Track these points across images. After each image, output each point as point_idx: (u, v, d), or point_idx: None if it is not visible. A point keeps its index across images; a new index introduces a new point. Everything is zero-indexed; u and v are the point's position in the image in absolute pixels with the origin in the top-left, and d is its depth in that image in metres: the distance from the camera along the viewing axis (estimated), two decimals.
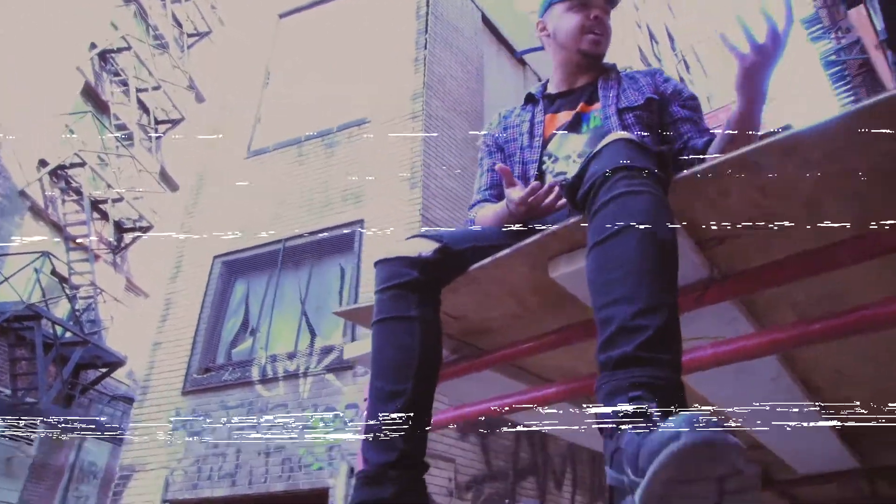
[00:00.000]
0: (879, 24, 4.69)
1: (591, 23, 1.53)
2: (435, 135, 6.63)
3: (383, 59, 7.35)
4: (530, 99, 1.64)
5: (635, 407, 0.70)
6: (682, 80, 23.55)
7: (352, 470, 4.94)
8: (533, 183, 1.27)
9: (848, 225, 0.98)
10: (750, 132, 1.20)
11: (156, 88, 12.73)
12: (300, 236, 6.43)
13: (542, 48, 1.70)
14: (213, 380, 5.97)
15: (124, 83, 12.16)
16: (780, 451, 2.53)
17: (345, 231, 6.22)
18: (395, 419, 1.02)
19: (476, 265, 1.19)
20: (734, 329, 1.34)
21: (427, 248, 1.18)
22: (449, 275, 1.20)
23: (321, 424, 5.29)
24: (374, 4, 7.83)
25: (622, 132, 0.99)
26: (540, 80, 9.69)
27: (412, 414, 1.02)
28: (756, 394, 1.77)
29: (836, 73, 16.71)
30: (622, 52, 16.88)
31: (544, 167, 1.49)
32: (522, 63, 9.59)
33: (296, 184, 6.87)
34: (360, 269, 5.90)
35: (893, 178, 0.92)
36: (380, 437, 1.00)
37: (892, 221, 0.99)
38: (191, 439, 5.68)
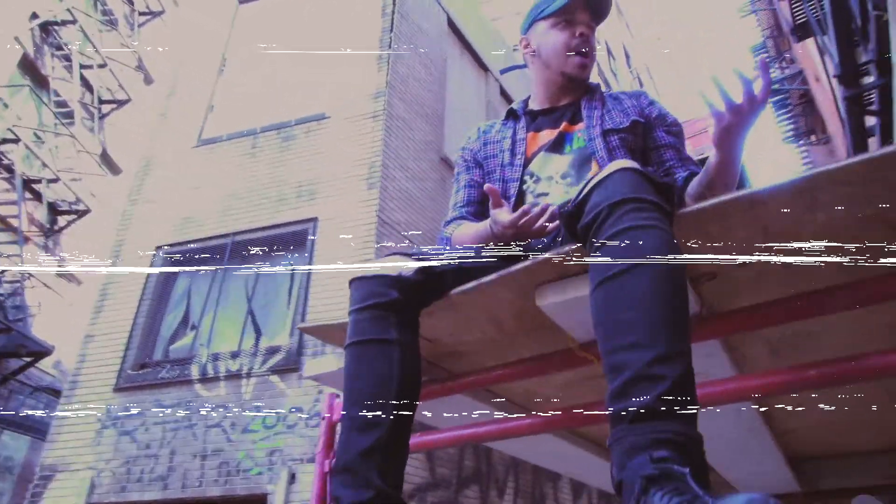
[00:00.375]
0: (834, 58, 4.87)
1: (578, 41, 1.47)
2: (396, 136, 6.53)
3: (345, 54, 7.20)
4: (511, 114, 1.58)
5: (667, 472, 0.66)
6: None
7: (293, 476, 4.79)
8: (524, 206, 1.20)
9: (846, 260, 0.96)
10: (727, 183, 1.18)
11: (101, 66, 12.10)
12: (250, 231, 6.22)
13: (524, 66, 1.65)
14: (150, 377, 5.68)
15: (67, 58, 11.50)
16: (729, 474, 2.57)
17: (297, 228, 6.05)
18: (363, 453, 0.94)
19: (458, 290, 1.12)
20: (710, 363, 1.32)
21: (393, 268, 1.11)
22: (429, 297, 1.13)
23: (262, 428, 5.11)
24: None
25: (627, 161, 0.95)
26: (502, 87, 9.73)
27: (389, 447, 0.95)
28: (717, 424, 1.78)
29: (779, 100, 17.53)
30: None
31: (525, 186, 1.43)
32: (485, 69, 9.60)
33: (248, 177, 6.65)
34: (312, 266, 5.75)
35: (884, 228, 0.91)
36: (354, 472, 0.93)
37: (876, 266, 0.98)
38: (121, 439, 5.40)
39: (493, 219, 1.24)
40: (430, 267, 1.12)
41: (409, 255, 1.14)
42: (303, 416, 5.04)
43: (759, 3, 19.95)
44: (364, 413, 0.98)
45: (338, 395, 1.61)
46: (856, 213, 0.86)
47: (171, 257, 6.42)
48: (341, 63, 7.13)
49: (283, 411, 5.12)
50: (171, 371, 5.64)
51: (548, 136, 1.47)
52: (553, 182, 1.40)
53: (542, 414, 1.26)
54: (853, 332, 1.22)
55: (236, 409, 5.15)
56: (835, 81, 5.77)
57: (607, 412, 0.77)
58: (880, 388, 1.69)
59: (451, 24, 8.80)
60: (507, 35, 11.35)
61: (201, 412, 5.25)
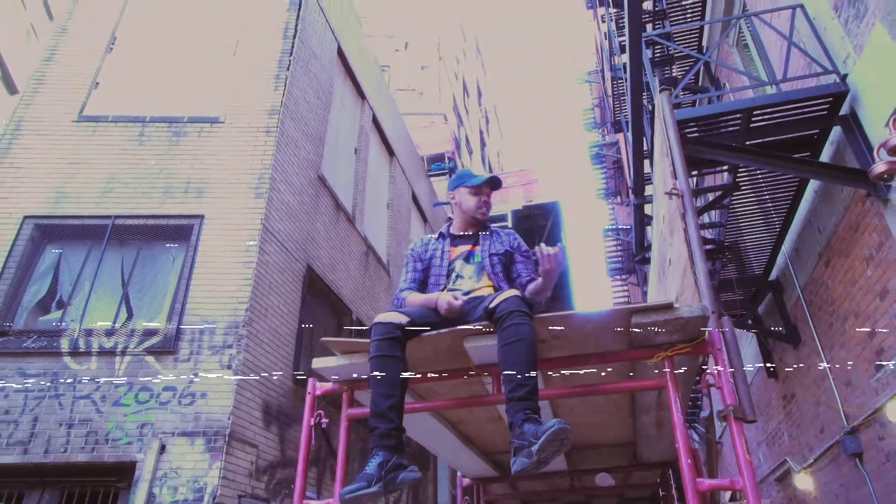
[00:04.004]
0: (630, 173, 6.68)
1: (482, 204, 2.70)
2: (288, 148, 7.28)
3: (243, 65, 7.77)
4: (441, 235, 2.74)
5: (533, 416, 1.84)
6: (483, 139, 26.32)
7: (163, 447, 5.38)
8: (459, 304, 2.33)
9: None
10: (544, 293, 2.43)
11: None
12: (134, 217, 6.56)
13: (447, 203, 2.84)
14: (12, 345, 5.81)
15: None
16: None
17: (183, 223, 6.54)
18: (389, 408, 2.03)
19: (428, 333, 2.24)
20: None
21: (397, 318, 2.21)
22: (412, 335, 2.23)
23: (134, 402, 5.60)
24: (243, 8, 8.21)
25: (515, 290, 2.15)
26: (374, 115, 10.74)
27: (398, 406, 2.04)
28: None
29: (597, 159, 20.66)
30: (441, 99, 18.81)
31: (450, 279, 2.59)
32: (362, 96, 10.59)
33: (134, 162, 6.94)
34: (195, 262, 6.30)
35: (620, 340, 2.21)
36: (384, 416, 2.00)
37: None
38: None
39: (440, 300, 2.36)
40: (413, 321, 2.22)
41: (402, 314, 2.23)
42: (176, 395, 5.64)
43: (594, 75, 23.26)
44: (385, 391, 2.05)
45: (320, 380, 2.62)
46: (604, 327, 2.14)
47: (42, 229, 6.51)
48: (237, 71, 7.70)
49: (156, 390, 5.66)
50: (39, 341, 5.84)
51: (462, 250, 2.66)
52: (465, 279, 2.58)
53: (432, 402, 2.41)
54: (598, 377, 2.55)
55: (115, 383, 5.57)
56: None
57: (505, 402, 1.95)
58: (611, 403, 3.10)
59: (340, 52, 9.69)
60: (381, 56, 12.37)
61: (70, 383, 5.58)
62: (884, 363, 4.96)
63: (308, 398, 2.57)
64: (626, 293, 22.98)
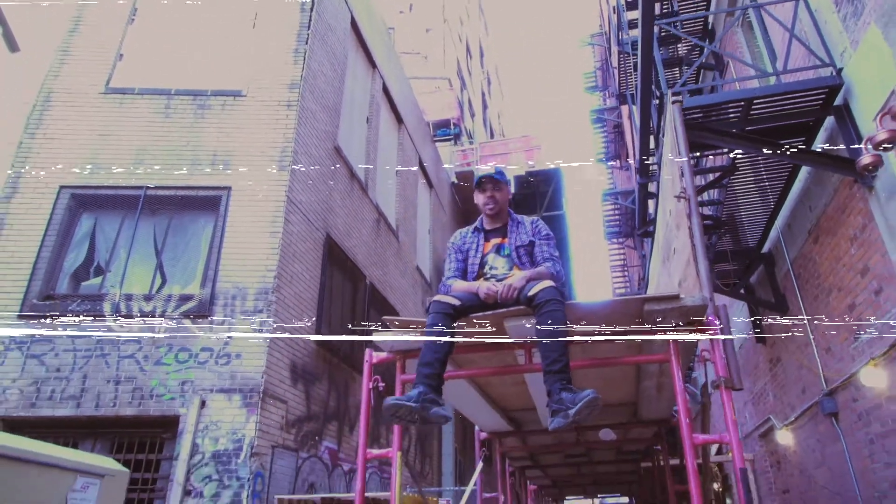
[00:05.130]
0: (636, 154, 7.05)
1: (487, 200, 3.13)
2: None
3: (262, 38, 8.01)
4: (476, 229, 3.18)
5: (569, 387, 2.31)
6: (484, 101, 26.30)
7: (203, 402, 5.90)
8: (504, 292, 2.77)
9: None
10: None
11: None
12: (164, 188, 6.93)
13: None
14: (58, 308, 6.26)
15: None
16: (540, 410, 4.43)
17: (212, 194, 6.91)
18: (436, 360, 2.50)
19: (475, 314, 2.69)
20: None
21: (451, 300, 2.66)
22: (461, 315, 2.68)
23: (175, 362, 6.09)
24: None
25: (550, 281, 2.58)
26: (385, 84, 10.97)
27: (445, 361, 2.51)
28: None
29: (599, 123, 20.86)
30: (445, 63, 18.88)
31: (484, 269, 3.04)
32: (373, 65, 10.81)
33: (161, 135, 7.26)
34: (225, 232, 6.71)
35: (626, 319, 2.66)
36: (432, 364, 2.47)
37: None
38: (28, 361, 5.97)
39: (480, 286, 2.80)
40: (462, 302, 2.67)
41: (454, 297, 2.67)
42: (213, 355, 6.13)
43: (597, 38, 23.19)
44: (435, 350, 2.52)
45: (376, 350, 3.08)
46: (621, 312, 2.59)
47: (77, 199, 6.88)
48: (257, 45, 7.95)
49: (194, 350, 6.14)
50: (83, 305, 6.29)
51: (493, 243, 3.09)
52: (497, 268, 3.02)
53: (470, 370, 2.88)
54: (606, 351, 3.02)
55: (155, 344, 6.05)
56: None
57: (543, 374, 2.41)
58: (620, 370, 3.57)
59: (353, 23, 9.88)
60: (387, 20, 12.46)
61: (118, 342, 6.05)
62: (861, 334, 5.47)
63: (366, 366, 3.03)
64: (622, 255, 23.51)
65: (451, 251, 3.18)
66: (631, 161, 7.63)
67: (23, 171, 6.96)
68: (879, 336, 5.12)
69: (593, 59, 23.95)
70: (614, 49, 11.25)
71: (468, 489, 3.54)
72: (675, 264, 3.35)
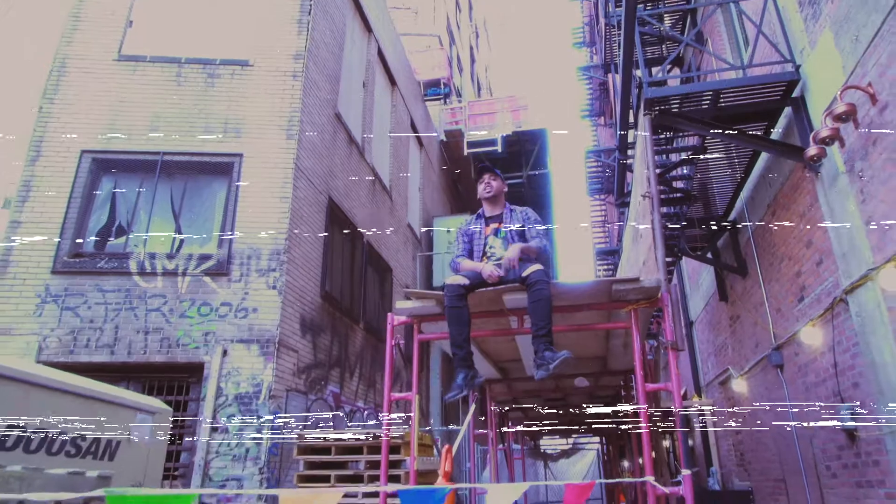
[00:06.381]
0: (616, 132, 7.66)
1: (484, 185, 3.79)
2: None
3: (266, 7, 8.36)
4: (479, 216, 3.84)
5: (550, 347, 3.04)
6: (472, 55, 26.36)
7: (225, 351, 6.62)
8: (491, 266, 3.45)
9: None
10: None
11: None
12: (179, 154, 7.43)
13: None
14: (88, 265, 6.85)
15: None
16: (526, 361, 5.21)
17: (224, 160, 7.44)
18: (464, 339, 3.22)
19: (480, 290, 3.39)
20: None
21: (461, 280, 3.35)
22: (470, 291, 3.38)
23: (197, 315, 6.76)
24: None
25: (539, 265, 3.28)
26: (380, 48, 11.32)
27: (468, 338, 3.23)
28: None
29: (586, 79, 21.23)
30: (435, 19, 19.00)
31: (487, 249, 3.72)
32: (369, 29, 11.14)
33: (174, 102, 7.70)
34: (238, 197, 7.28)
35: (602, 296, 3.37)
36: (460, 346, 3.19)
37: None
38: (64, 313, 6.60)
39: (483, 268, 3.49)
40: (471, 281, 3.37)
41: (463, 276, 3.36)
42: (232, 309, 6.81)
43: None
44: (459, 329, 3.23)
45: (395, 316, 3.78)
46: (595, 290, 3.31)
47: (98, 163, 7.37)
48: (261, 15, 8.30)
49: (214, 305, 6.81)
50: (111, 262, 6.89)
51: (493, 228, 3.77)
52: (496, 248, 3.71)
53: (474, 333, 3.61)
54: (581, 319, 3.75)
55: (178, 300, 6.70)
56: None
57: (531, 337, 3.14)
58: (592, 331, 4.33)
59: None
60: None
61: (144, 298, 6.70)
62: (804, 297, 6.30)
63: (388, 327, 3.74)
64: (603, 211, 24.30)
65: (459, 235, 3.85)
66: (617, 154, 8.26)
67: (44, 136, 7.40)
68: (817, 300, 5.96)
69: (581, 14, 24.07)
70: (602, 21, 11.65)
71: (463, 427, 4.29)
72: (642, 246, 4.06)
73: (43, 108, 7.56)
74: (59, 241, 6.92)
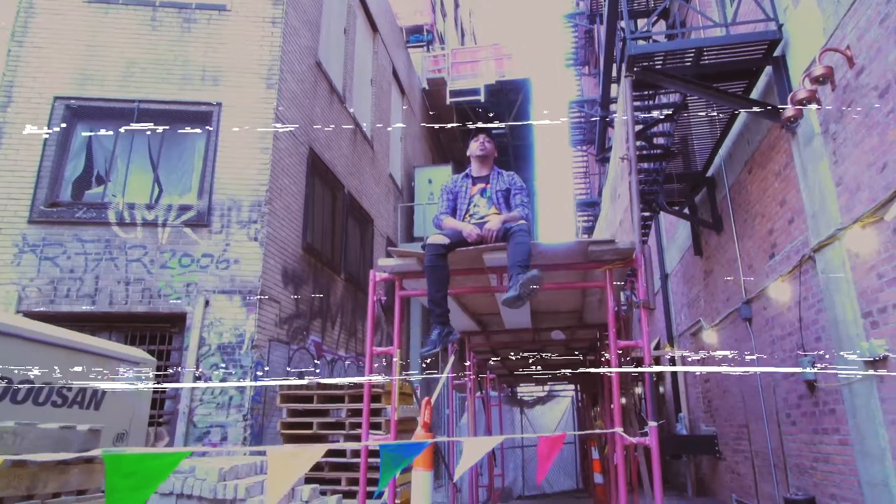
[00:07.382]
0: (600, 85, 7.60)
1: (479, 145, 3.82)
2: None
3: None
4: (466, 176, 3.88)
5: (521, 272, 3.14)
6: (456, 2, 25.58)
7: (207, 301, 6.67)
8: (483, 234, 3.52)
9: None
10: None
11: None
12: (156, 102, 7.27)
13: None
14: (65, 214, 6.78)
15: None
16: (503, 313, 5.37)
17: (203, 109, 7.30)
18: (441, 298, 3.31)
19: (461, 248, 3.46)
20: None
21: (442, 240, 3.42)
22: (450, 250, 3.45)
23: (178, 266, 6.78)
24: None
25: (522, 221, 3.36)
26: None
27: (445, 296, 3.32)
28: None
29: (571, 26, 20.89)
30: None
31: (471, 208, 3.78)
32: None
33: (149, 48, 7.48)
34: (218, 146, 7.19)
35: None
36: (438, 303, 3.29)
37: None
38: (43, 263, 6.57)
39: (464, 227, 3.56)
40: (451, 241, 3.44)
41: (444, 235, 3.43)
42: (213, 260, 6.83)
43: None
44: (437, 289, 3.32)
45: (378, 273, 3.86)
46: (573, 250, 3.41)
47: (72, 110, 7.18)
48: None
49: (195, 256, 6.82)
50: (88, 212, 6.82)
51: (478, 187, 3.82)
52: (480, 207, 3.77)
53: (456, 289, 3.71)
54: (559, 277, 3.87)
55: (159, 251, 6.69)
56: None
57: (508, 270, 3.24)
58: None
59: None
60: None
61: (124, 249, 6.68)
62: (774, 254, 6.50)
63: (371, 283, 3.82)
64: (585, 162, 24.33)
65: (443, 192, 3.89)
66: (598, 109, 8.23)
67: (14, 80, 7.17)
68: (787, 257, 6.15)
69: None
70: None
71: (443, 377, 4.45)
72: (619, 206, 4.15)
73: (11, 52, 7.29)
74: (34, 191, 6.81)
